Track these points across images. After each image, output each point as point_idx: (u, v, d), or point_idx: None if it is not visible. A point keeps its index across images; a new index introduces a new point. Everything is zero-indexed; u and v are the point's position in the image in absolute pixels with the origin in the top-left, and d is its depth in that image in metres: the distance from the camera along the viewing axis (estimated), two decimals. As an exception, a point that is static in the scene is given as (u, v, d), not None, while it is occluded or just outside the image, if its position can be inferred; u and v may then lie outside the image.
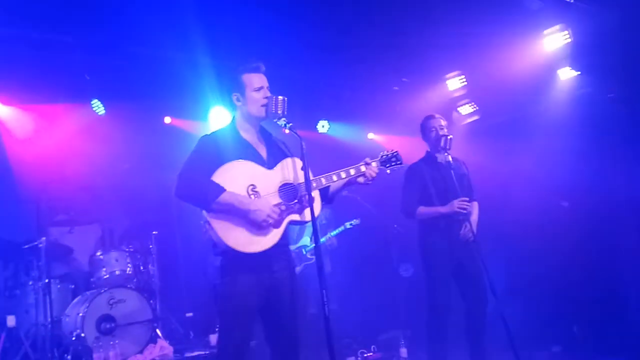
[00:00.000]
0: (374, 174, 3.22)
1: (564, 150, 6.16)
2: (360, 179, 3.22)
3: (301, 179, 3.07)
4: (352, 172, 3.20)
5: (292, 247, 6.21)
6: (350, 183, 3.26)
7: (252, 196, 2.97)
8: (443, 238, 4.44)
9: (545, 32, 5.91)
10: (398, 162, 3.34)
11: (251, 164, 3.06)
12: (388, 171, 3.32)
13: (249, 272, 2.96)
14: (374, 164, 3.25)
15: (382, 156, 3.31)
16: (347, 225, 6.05)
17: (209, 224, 2.91)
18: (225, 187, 2.92)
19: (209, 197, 2.89)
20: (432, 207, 4.45)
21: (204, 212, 2.95)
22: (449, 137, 4.39)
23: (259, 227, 2.93)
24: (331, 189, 3.29)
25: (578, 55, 6.02)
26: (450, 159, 4.35)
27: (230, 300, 2.97)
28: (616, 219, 5.92)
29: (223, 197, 2.88)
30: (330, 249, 6.24)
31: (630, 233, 5.82)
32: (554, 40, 5.90)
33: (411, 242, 6.53)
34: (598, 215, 5.96)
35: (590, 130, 6.07)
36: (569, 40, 5.81)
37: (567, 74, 6.27)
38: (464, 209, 4.30)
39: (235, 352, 2.97)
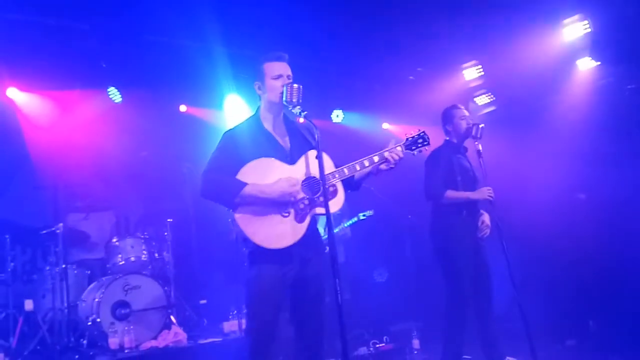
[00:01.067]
0: (396, 157, 3.13)
1: (583, 142, 6.07)
2: (383, 166, 3.15)
3: (324, 170, 3.05)
4: (376, 159, 3.15)
5: None
6: (377, 170, 3.19)
7: None
8: (465, 228, 4.39)
9: (565, 21, 5.83)
10: (425, 143, 3.26)
11: (274, 161, 3.07)
12: (415, 153, 3.24)
13: (277, 263, 2.99)
14: (398, 148, 3.19)
15: (407, 139, 3.25)
16: (361, 216, 6.02)
17: (236, 224, 2.97)
18: None
19: (231, 193, 2.95)
20: (461, 192, 4.37)
21: (230, 211, 2.99)
22: (480, 126, 4.31)
23: (284, 207, 2.96)
24: (356, 176, 3.24)
25: (598, 45, 5.91)
26: (481, 148, 4.25)
27: (258, 285, 3.01)
28: (634, 212, 5.82)
29: (245, 190, 2.94)
30: (344, 239, 6.23)
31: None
32: (574, 29, 5.82)
33: (425, 233, 6.53)
34: (616, 208, 5.88)
35: (609, 121, 5.97)
36: (589, 30, 5.72)
37: (586, 65, 6.18)
38: (492, 197, 4.25)
39: (263, 335, 3.00)
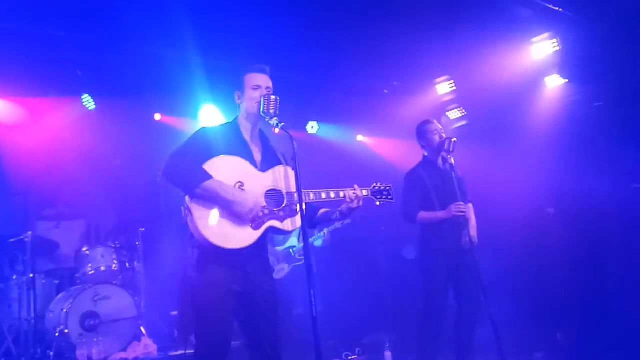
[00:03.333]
0: (360, 195, 3.18)
1: (551, 157, 6.22)
2: (346, 205, 3.17)
3: (290, 188, 3.10)
4: (341, 194, 3.18)
5: (280, 249, 6.22)
6: (342, 215, 3.23)
7: None
8: (444, 242, 4.45)
9: (534, 39, 5.97)
10: (389, 198, 3.33)
11: (243, 161, 3.09)
12: (378, 203, 3.32)
13: (224, 267, 2.96)
14: (365, 192, 3.25)
15: (374, 187, 3.31)
16: (337, 225, 6.06)
17: (189, 211, 2.93)
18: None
19: (194, 180, 2.92)
20: (433, 212, 4.46)
21: (186, 197, 2.97)
22: (452, 140, 4.39)
23: (239, 219, 2.94)
24: (318, 215, 3.29)
25: (566, 63, 6.08)
26: (453, 161, 4.35)
27: (206, 294, 2.96)
28: (601, 227, 5.97)
29: (208, 183, 2.92)
30: (324, 245, 6.24)
31: (615, 241, 5.88)
32: (543, 48, 5.96)
33: (399, 245, 6.60)
34: (583, 223, 6.01)
35: (576, 137, 6.14)
36: (558, 48, 5.88)
37: (555, 82, 6.34)
38: (462, 212, 4.32)
39: (214, 348, 2.96)
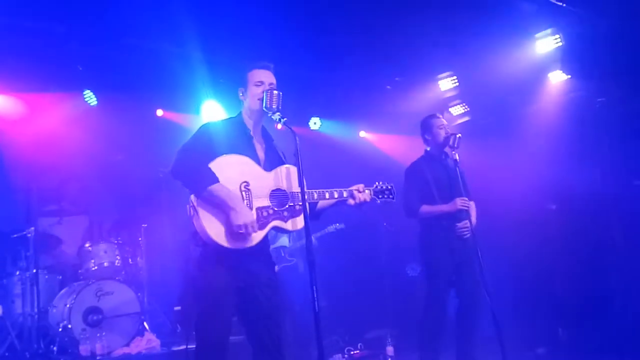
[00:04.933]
0: (362, 199, 3.22)
1: (553, 153, 6.22)
2: (351, 201, 3.22)
3: (293, 188, 3.11)
4: (345, 194, 3.22)
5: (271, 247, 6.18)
6: (341, 204, 3.27)
7: (244, 193, 3.01)
8: (444, 237, 4.45)
9: (537, 35, 5.95)
10: (391, 196, 3.36)
11: (249, 161, 3.09)
12: (378, 202, 3.33)
13: (227, 266, 2.99)
14: (367, 191, 3.27)
15: (376, 186, 3.34)
16: (331, 228, 6.04)
17: (195, 210, 2.94)
18: (220, 179, 2.94)
19: (202, 183, 2.92)
20: (435, 205, 4.47)
21: (192, 196, 2.97)
22: (457, 136, 4.40)
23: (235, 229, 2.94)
24: (318, 206, 3.30)
25: (569, 59, 6.07)
26: (457, 157, 4.34)
27: (208, 292, 3.01)
28: (603, 222, 5.99)
29: (216, 188, 2.91)
30: (305, 250, 6.21)
31: (617, 237, 5.89)
32: (546, 43, 5.95)
33: (401, 240, 6.60)
34: (585, 218, 6.03)
35: (579, 133, 6.14)
36: (560, 44, 5.87)
37: (557, 78, 6.33)
38: (466, 206, 4.34)
39: (214, 345, 2.99)
